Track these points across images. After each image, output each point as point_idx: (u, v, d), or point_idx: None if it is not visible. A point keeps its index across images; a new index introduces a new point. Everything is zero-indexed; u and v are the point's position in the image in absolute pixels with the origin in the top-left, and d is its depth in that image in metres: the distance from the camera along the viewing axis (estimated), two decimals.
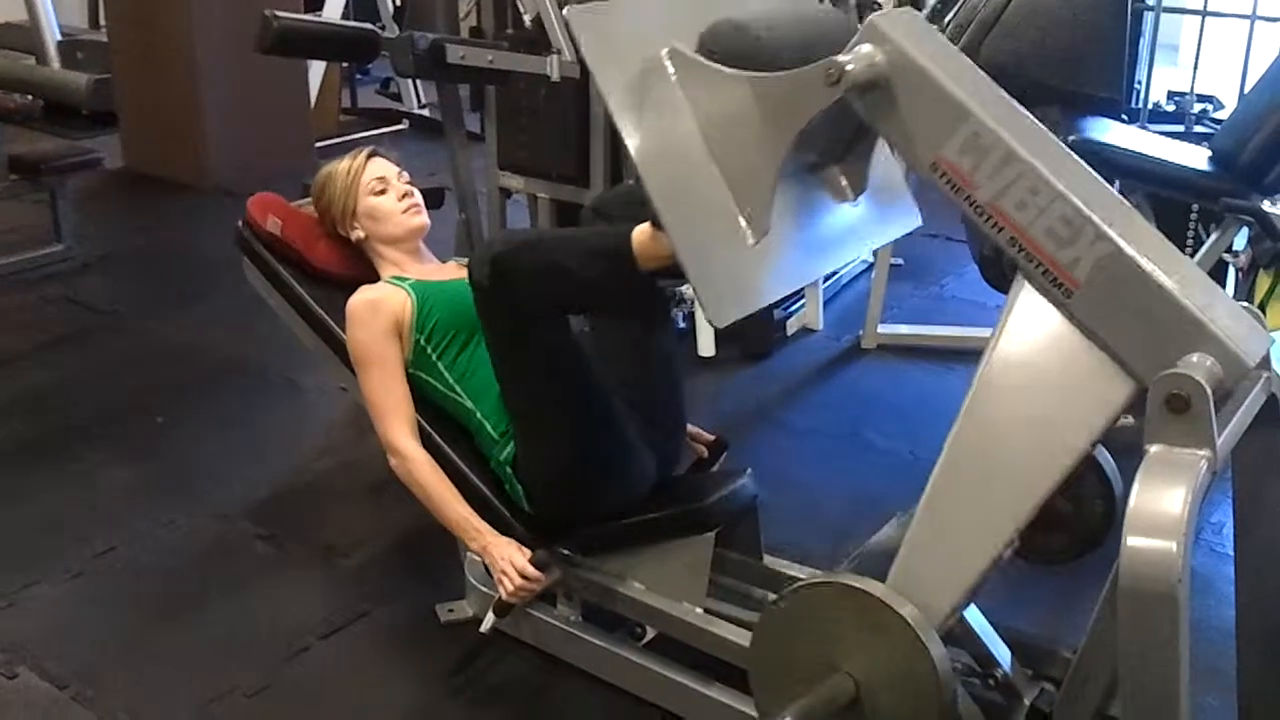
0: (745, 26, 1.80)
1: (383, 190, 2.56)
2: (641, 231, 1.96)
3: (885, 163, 1.97)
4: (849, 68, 1.61)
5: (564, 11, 2.73)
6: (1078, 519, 2.00)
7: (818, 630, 1.74)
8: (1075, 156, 1.70)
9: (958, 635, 2.04)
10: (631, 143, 1.72)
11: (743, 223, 1.71)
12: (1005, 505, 1.65)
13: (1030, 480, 1.64)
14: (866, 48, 1.64)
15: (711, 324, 1.67)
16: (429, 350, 2.37)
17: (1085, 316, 1.59)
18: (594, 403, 2.20)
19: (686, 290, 3.72)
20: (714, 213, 1.71)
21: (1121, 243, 1.56)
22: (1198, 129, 5.48)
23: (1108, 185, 1.69)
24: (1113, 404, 1.60)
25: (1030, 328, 1.64)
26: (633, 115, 1.73)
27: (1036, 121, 1.72)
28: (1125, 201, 1.70)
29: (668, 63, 1.79)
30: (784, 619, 1.79)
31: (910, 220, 2.11)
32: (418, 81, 6.70)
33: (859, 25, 1.67)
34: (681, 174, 1.72)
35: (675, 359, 2.45)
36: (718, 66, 1.76)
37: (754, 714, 2.04)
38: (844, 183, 1.92)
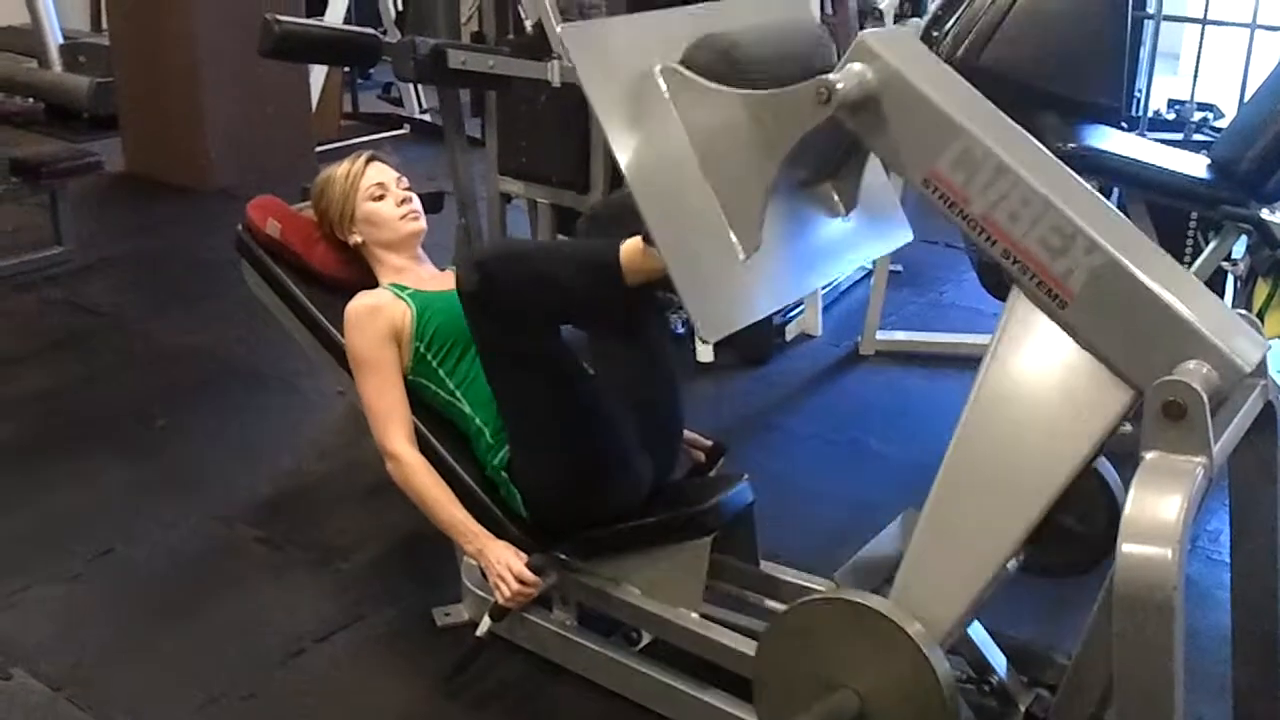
0: (724, 42, 1.79)
1: (381, 195, 2.55)
2: (631, 247, 1.97)
3: (877, 177, 1.97)
4: (839, 86, 1.62)
5: (558, 29, 2.69)
6: (1083, 533, 1.99)
7: (821, 647, 1.74)
8: (1067, 168, 1.70)
9: (954, 642, 2.04)
10: (624, 159, 1.71)
11: (734, 239, 1.71)
12: (1007, 517, 1.65)
13: (1032, 491, 1.64)
14: (857, 66, 1.65)
15: (702, 339, 1.68)
16: (429, 358, 2.37)
17: (1081, 326, 1.59)
18: (586, 408, 2.20)
19: None
20: (705, 229, 1.71)
21: (1115, 252, 1.56)
22: (1197, 137, 5.49)
23: (1101, 196, 1.69)
24: (1112, 412, 1.60)
25: (1027, 338, 1.64)
26: (625, 131, 1.73)
27: (1027, 134, 1.72)
28: (1118, 211, 1.71)
29: (660, 79, 1.79)
30: (786, 636, 1.79)
31: (902, 235, 2.11)
32: (419, 86, 6.70)
33: (860, 31, 1.67)
34: (673, 190, 1.72)
35: (672, 364, 2.44)
36: (710, 84, 1.76)
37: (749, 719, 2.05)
38: (836, 198, 1.92)
